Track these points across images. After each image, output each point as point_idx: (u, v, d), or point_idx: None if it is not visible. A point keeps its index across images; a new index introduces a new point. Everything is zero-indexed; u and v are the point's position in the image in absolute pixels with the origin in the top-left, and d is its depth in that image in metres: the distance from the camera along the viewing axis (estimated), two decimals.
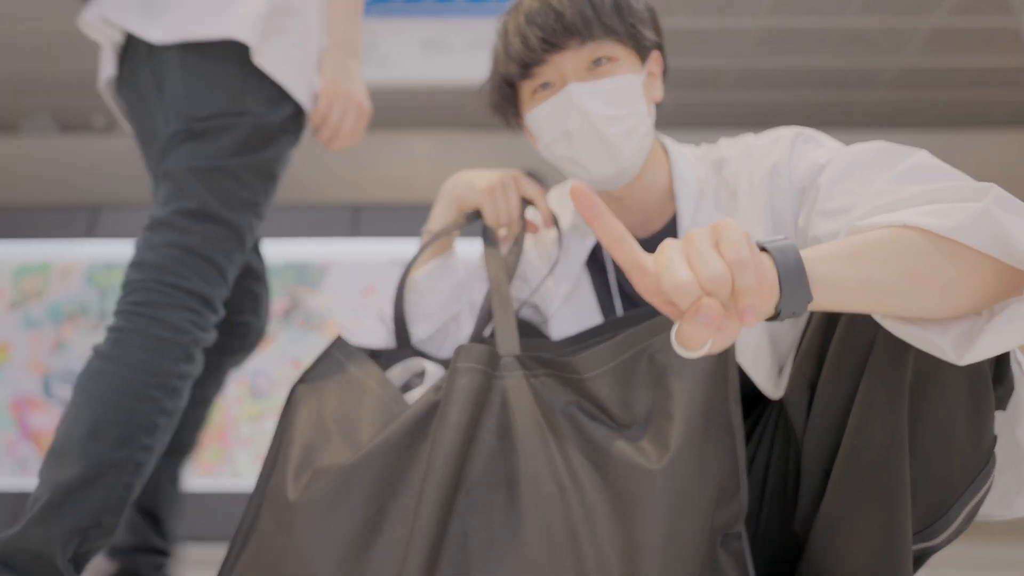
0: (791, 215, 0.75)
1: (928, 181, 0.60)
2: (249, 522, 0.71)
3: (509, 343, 0.72)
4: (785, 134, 0.79)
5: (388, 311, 0.89)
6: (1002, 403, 0.65)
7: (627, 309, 0.88)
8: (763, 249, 0.49)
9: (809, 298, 0.48)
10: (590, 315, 0.87)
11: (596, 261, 0.90)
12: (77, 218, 4.87)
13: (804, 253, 0.49)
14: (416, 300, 0.88)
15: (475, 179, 0.89)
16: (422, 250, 0.89)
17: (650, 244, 0.87)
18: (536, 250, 0.94)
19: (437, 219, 0.91)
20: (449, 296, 0.89)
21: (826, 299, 0.50)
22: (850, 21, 4.57)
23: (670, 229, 0.86)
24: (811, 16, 4.58)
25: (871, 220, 0.55)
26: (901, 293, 0.51)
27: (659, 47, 0.85)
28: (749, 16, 4.56)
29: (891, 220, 0.54)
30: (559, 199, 0.96)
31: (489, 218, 0.88)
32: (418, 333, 0.88)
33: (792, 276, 0.48)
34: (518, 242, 0.87)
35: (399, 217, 5.03)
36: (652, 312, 0.73)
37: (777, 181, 0.76)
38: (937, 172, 0.61)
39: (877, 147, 0.68)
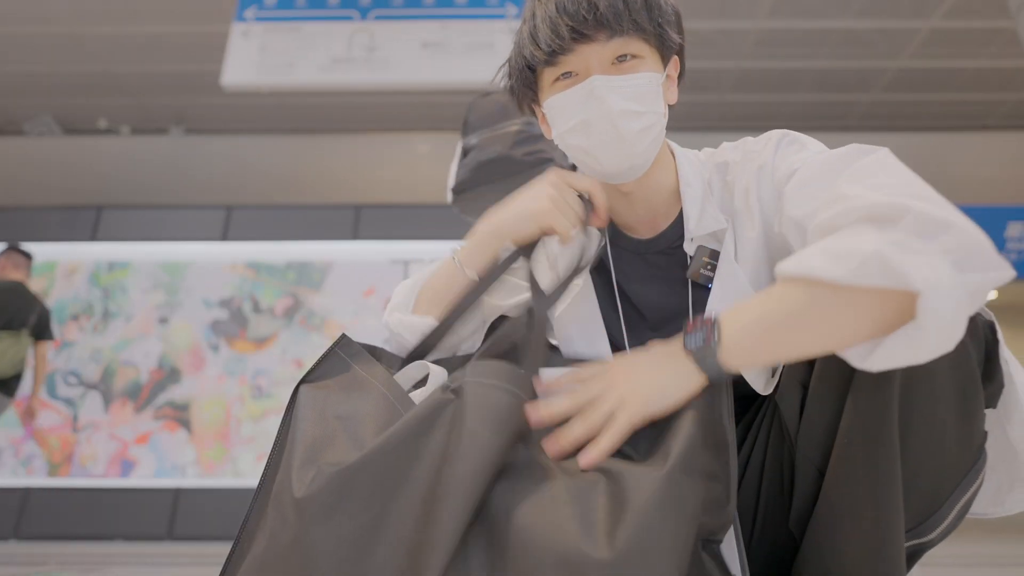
0: (776, 217, 0.77)
1: (865, 182, 0.65)
2: (254, 519, 0.71)
3: (536, 364, 0.73)
4: (772, 136, 0.81)
5: (400, 320, 0.87)
6: (992, 401, 0.66)
7: (628, 311, 0.89)
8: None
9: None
10: (592, 316, 0.88)
11: (599, 263, 0.91)
12: (81, 219, 4.88)
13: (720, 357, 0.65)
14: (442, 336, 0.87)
15: (524, 205, 0.84)
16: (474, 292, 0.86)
17: (656, 244, 0.88)
18: (544, 251, 0.94)
19: (474, 260, 0.86)
20: (468, 334, 0.90)
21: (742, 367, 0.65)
22: (848, 23, 4.58)
23: (676, 229, 0.87)
24: (809, 18, 4.60)
25: (784, 267, 0.63)
26: (810, 346, 0.63)
27: (680, 51, 0.86)
28: (747, 18, 4.57)
29: (796, 270, 0.62)
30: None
31: (561, 228, 0.82)
32: (430, 356, 0.87)
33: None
34: (589, 235, 0.86)
35: (400, 218, 5.04)
36: (663, 335, 0.73)
37: (763, 183, 0.78)
38: (880, 170, 0.65)
39: (841, 151, 0.71)
